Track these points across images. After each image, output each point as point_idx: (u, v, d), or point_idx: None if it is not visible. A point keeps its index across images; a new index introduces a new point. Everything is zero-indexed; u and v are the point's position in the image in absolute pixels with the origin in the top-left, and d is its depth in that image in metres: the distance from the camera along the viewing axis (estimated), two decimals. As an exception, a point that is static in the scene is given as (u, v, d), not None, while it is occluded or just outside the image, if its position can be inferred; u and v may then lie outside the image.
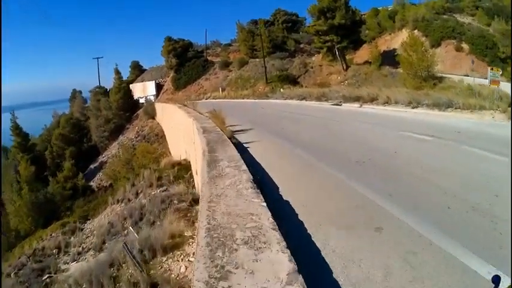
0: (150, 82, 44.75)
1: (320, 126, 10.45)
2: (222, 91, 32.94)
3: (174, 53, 40.78)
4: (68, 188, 20.14)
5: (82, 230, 10.27)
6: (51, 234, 11.07)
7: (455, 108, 10.00)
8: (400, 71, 22.12)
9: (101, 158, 30.57)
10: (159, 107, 27.27)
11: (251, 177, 3.60)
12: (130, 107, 38.83)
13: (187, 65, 40.66)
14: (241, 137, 9.02)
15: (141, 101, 43.02)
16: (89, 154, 32.91)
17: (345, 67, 29.00)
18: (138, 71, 53.78)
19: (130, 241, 5.02)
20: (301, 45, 39.37)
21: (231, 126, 10.06)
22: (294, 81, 29.08)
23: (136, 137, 28.02)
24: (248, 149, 7.57)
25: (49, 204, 17.06)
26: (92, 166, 30.24)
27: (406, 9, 30.69)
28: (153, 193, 7.64)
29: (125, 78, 54.87)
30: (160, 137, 23.94)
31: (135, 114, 37.00)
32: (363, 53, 30.00)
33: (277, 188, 4.88)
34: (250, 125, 11.24)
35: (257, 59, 35.01)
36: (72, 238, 9.69)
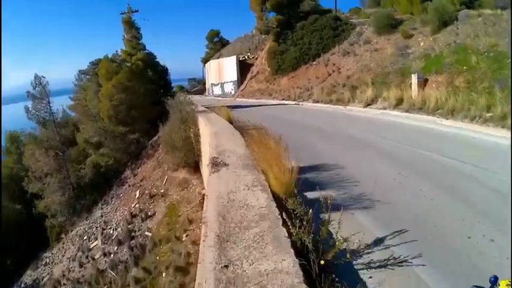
0: (229, 58, 26.81)
1: None
2: (419, 85, 13.59)
3: (274, 4, 22.13)
4: None
5: None
6: None
7: None
8: None
9: (36, 273, 13.18)
10: (205, 130, 7.97)
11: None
12: (152, 113, 15.85)
13: (298, 26, 21.81)
14: None
15: (216, 91, 26.05)
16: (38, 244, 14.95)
17: None
18: (219, 46, 37.04)
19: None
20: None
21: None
22: None
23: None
24: None
25: None
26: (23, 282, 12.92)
27: None
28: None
29: (202, 56, 37.31)
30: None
31: (156, 137, 15.46)
32: None
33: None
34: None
35: (481, 11, 14.41)
36: None
